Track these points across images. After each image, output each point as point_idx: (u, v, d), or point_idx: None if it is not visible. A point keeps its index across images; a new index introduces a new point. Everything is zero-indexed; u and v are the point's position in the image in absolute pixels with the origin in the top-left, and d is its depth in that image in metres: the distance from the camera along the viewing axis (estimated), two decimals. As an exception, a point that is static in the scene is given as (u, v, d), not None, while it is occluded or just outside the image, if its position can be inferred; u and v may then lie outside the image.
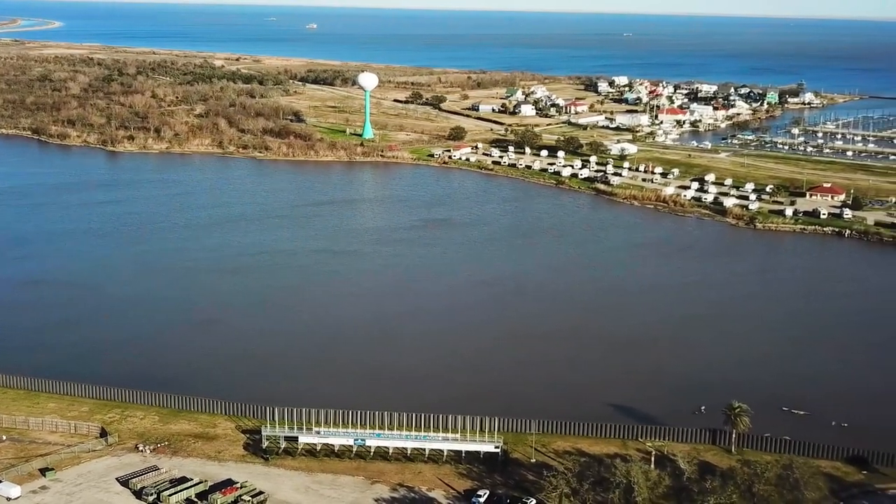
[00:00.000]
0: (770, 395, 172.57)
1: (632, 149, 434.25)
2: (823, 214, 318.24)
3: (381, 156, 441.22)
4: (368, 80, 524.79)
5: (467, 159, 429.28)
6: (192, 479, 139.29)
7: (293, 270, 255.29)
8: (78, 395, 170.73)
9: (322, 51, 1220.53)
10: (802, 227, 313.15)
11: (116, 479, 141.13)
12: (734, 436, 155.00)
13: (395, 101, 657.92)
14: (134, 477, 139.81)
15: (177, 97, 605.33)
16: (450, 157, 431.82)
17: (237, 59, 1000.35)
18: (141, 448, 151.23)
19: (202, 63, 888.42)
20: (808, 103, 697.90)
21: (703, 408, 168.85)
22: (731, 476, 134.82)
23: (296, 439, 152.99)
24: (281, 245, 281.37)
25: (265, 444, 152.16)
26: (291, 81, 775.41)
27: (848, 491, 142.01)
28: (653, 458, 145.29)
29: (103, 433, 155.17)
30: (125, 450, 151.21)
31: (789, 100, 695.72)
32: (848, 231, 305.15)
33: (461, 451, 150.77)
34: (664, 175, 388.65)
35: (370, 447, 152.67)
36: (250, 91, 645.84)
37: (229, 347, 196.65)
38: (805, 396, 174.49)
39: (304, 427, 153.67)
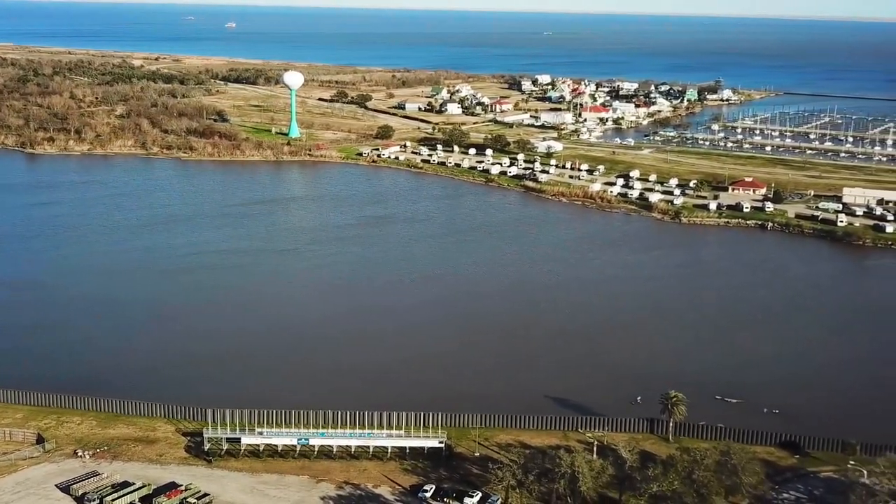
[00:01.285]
0: (703, 384, 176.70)
1: (558, 146, 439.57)
2: (746, 208, 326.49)
3: (309, 155, 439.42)
4: (294, 78, 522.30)
5: (396, 158, 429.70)
6: (134, 483, 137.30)
7: (229, 271, 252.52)
8: (11, 402, 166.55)
9: (243, 50, 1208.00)
10: (726, 220, 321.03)
11: (56, 485, 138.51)
12: (671, 424, 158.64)
13: (320, 99, 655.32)
14: (75, 483, 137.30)
15: (96, 98, 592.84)
16: (378, 155, 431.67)
17: (156, 59, 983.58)
18: (80, 453, 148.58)
19: (121, 63, 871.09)
20: (727, 100, 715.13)
21: (639, 398, 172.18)
22: (671, 464, 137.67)
23: (238, 440, 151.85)
24: (215, 246, 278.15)
25: (207, 446, 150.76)
26: (213, 81, 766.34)
27: (782, 475, 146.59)
28: (595, 448, 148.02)
29: (40, 440, 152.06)
30: (64, 456, 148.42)
31: (708, 97, 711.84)
32: (770, 224, 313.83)
33: (405, 448, 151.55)
34: (590, 172, 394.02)
35: (314, 446, 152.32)
36: (172, 91, 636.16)
37: (167, 350, 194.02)
38: (737, 384, 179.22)
39: (247, 428, 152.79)
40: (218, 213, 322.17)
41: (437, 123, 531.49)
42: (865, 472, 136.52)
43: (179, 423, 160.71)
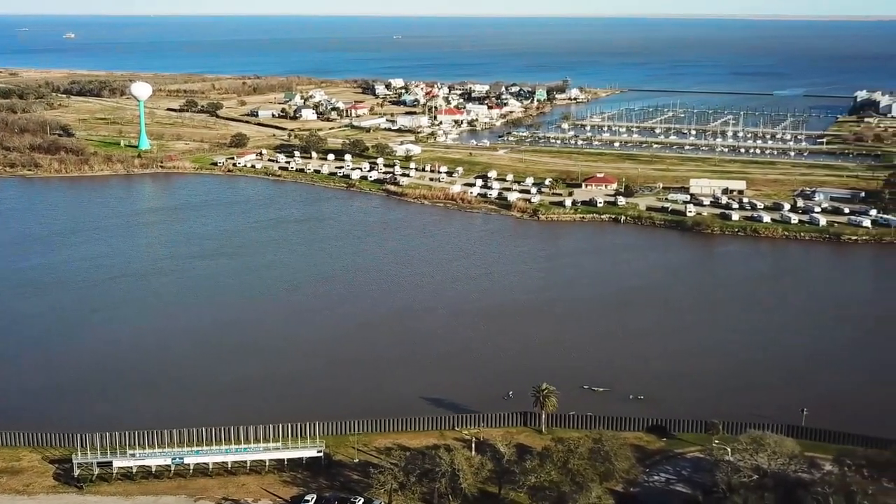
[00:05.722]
0: (569, 375, 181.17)
1: (416, 149, 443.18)
2: (600, 203, 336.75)
3: (161, 166, 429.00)
4: (142, 89, 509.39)
5: (253, 166, 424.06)
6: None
7: (87, 290, 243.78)
8: None
9: (84, 61, 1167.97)
10: (582, 215, 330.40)
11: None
12: (544, 416, 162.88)
13: (169, 109, 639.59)
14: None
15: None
16: (234, 164, 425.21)
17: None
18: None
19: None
20: (575, 98, 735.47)
21: (510, 393, 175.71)
22: (547, 455, 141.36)
23: (110, 464, 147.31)
24: (71, 265, 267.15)
25: (77, 472, 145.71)
26: (55, 94, 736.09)
27: (652, 458, 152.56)
28: (473, 445, 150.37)
29: None
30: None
31: (557, 96, 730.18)
32: (624, 217, 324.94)
33: (283, 460, 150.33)
34: (449, 174, 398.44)
35: (189, 465, 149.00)
36: (11, 106, 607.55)
37: (23, 376, 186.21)
38: (602, 373, 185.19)
39: (118, 451, 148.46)
40: (70, 230, 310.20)
41: (292, 130, 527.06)
42: (729, 449, 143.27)
43: (45, 450, 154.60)
